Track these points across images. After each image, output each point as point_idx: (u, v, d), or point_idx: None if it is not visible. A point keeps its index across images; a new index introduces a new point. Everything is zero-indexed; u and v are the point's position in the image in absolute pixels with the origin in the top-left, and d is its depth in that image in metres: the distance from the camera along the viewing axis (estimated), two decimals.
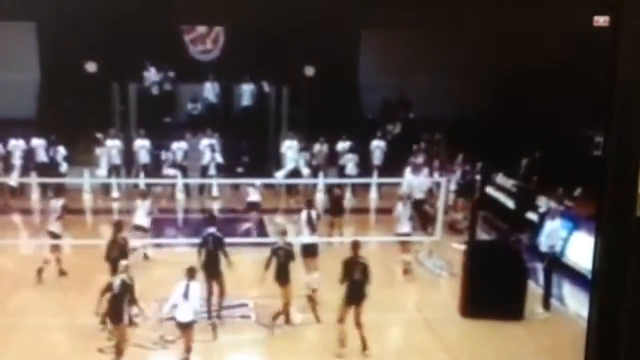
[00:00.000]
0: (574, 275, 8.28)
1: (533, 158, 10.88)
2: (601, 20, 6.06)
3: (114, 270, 7.65)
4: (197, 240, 8.56)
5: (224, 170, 12.65)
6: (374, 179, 11.48)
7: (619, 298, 6.13)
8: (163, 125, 13.27)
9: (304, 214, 9.41)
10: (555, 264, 8.31)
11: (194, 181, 12.49)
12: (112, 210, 11.84)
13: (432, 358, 7.33)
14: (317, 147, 13.00)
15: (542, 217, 9.67)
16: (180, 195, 11.99)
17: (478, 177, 10.55)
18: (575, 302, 8.31)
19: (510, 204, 10.10)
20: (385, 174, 11.98)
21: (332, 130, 12.74)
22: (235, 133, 13.49)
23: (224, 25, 11.59)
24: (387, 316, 7.80)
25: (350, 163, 12.39)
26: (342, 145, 12.77)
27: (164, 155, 12.30)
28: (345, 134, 12.57)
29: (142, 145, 12.64)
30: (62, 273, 8.76)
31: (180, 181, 12.03)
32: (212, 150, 12.58)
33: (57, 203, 9.67)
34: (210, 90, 13.95)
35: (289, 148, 12.63)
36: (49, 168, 12.43)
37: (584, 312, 6.33)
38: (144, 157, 12.47)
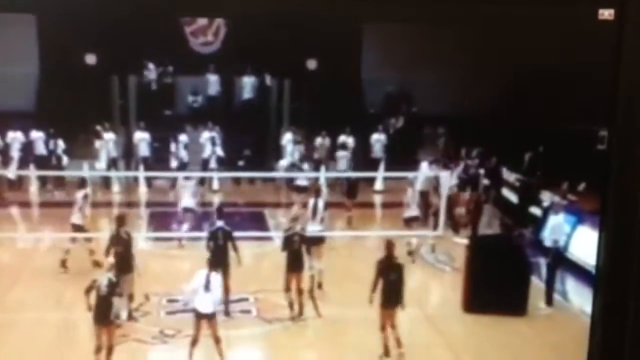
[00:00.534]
0: (577, 271, 8.23)
1: (537, 152, 10.82)
2: (606, 14, 6.00)
3: (120, 269, 7.48)
4: (196, 234, 8.50)
5: (225, 163, 12.60)
6: (380, 173, 11.43)
7: (622, 294, 6.06)
8: (163, 118, 13.23)
9: (311, 202, 9.50)
10: (559, 260, 8.24)
11: (195, 174, 12.44)
12: (112, 203, 11.82)
13: (434, 353, 7.29)
14: (318, 140, 12.96)
15: (546, 211, 9.61)
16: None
17: (481, 171, 10.52)
18: (579, 298, 8.27)
19: (513, 198, 10.06)
20: (388, 168, 11.96)
21: (334, 124, 12.69)
22: (236, 126, 13.44)
23: (225, 17, 11.52)
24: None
25: (342, 160, 12.35)
26: (344, 138, 12.73)
27: (173, 147, 12.27)
28: (346, 128, 12.53)
29: (142, 138, 12.59)
30: (96, 264, 8.66)
31: (181, 174, 11.98)
32: (213, 143, 12.53)
33: (79, 194, 9.56)
34: (211, 83, 13.90)
35: (288, 141, 12.60)
36: (48, 161, 12.40)
37: (587, 308, 6.27)
38: (144, 150, 12.42)
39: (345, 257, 9.51)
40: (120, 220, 8.24)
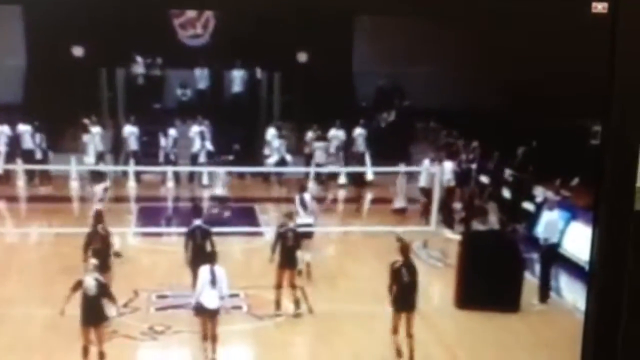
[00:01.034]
0: (571, 267, 8.20)
1: (529, 147, 10.78)
2: (599, 7, 5.95)
3: (97, 267, 7.38)
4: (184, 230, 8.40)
5: (215, 157, 12.52)
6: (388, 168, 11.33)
7: (616, 291, 6.03)
8: (152, 112, 13.12)
9: (297, 197, 9.55)
10: (553, 257, 8.18)
11: (184, 169, 12.36)
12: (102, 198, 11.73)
13: (427, 350, 7.24)
14: (309, 134, 12.88)
15: (539, 207, 9.57)
16: (169, 184, 11.87)
17: (474, 166, 10.47)
18: (572, 294, 8.23)
19: (506, 193, 10.01)
20: (377, 162, 11.90)
21: (326, 118, 12.62)
22: (226, 120, 13.34)
23: (214, 9, 11.39)
24: (380, 307, 7.67)
25: (318, 151, 12.30)
26: (335, 132, 12.67)
27: (163, 141, 12.17)
28: (336, 122, 12.47)
29: (131, 132, 12.49)
30: (117, 255, 8.57)
31: (170, 169, 11.90)
32: (202, 137, 12.44)
33: (99, 187, 9.44)
34: (200, 76, 13.80)
35: (273, 136, 12.53)
36: (34, 155, 12.28)
37: (581, 304, 6.24)
38: (133, 143, 12.32)
39: (337, 252, 9.46)
40: (98, 217, 8.03)
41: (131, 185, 11.72)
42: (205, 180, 12.30)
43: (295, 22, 9.13)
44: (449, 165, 10.38)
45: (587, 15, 5.97)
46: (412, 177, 10.89)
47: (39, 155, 11.75)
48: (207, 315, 7.02)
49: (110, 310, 7.18)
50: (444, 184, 10.35)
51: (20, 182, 11.76)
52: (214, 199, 10.02)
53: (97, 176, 11.92)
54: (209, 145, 12.36)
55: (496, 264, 7.78)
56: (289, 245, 7.94)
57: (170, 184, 11.92)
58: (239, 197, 11.70)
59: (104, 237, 7.86)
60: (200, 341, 6.95)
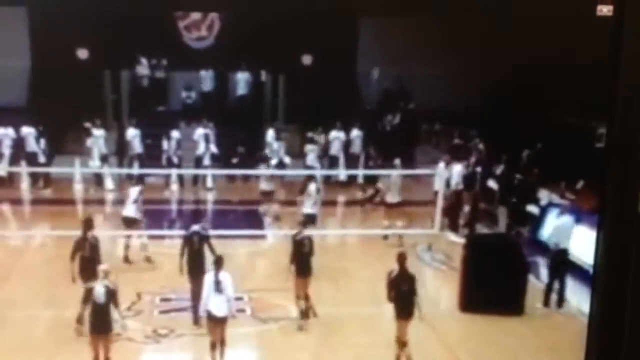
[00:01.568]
0: (575, 270, 8.16)
1: (534, 150, 10.75)
2: (604, 10, 5.93)
3: (84, 275, 7.31)
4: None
5: (219, 160, 12.50)
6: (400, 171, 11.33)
7: (620, 293, 6.00)
8: (156, 114, 13.11)
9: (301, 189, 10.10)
10: (563, 262, 8.09)
11: (189, 172, 12.34)
12: (105, 201, 11.72)
13: (431, 353, 7.21)
14: (316, 137, 12.88)
15: (543, 210, 9.54)
16: (173, 186, 11.86)
17: (479, 169, 10.44)
18: (576, 297, 8.20)
19: (511, 196, 9.98)
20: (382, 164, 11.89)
21: (330, 120, 12.62)
22: (230, 123, 13.34)
23: (219, 12, 11.43)
24: (384, 310, 7.65)
25: (311, 154, 12.31)
26: (336, 134, 12.68)
27: (165, 144, 12.17)
28: (337, 123, 12.47)
29: (134, 135, 12.48)
30: (147, 260, 8.57)
31: (174, 172, 11.89)
32: (207, 140, 12.43)
33: (135, 189, 9.39)
34: (204, 78, 13.79)
35: (272, 138, 12.54)
36: (38, 158, 12.29)
37: (585, 307, 6.20)
38: (137, 146, 12.31)
39: (339, 255, 9.45)
40: (87, 224, 7.83)
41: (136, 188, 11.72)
42: (209, 183, 12.29)
43: (299, 25, 9.13)
44: (457, 169, 10.37)
45: (592, 18, 5.95)
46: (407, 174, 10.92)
47: (42, 158, 11.77)
48: (216, 323, 6.95)
49: (117, 321, 7.07)
50: (451, 187, 10.34)
51: (25, 185, 11.78)
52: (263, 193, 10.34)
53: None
54: (213, 148, 12.36)
55: (500, 267, 7.75)
56: (306, 252, 7.89)
57: (175, 186, 11.92)
58: (243, 199, 11.71)
59: (93, 245, 7.62)
60: (209, 350, 6.88)
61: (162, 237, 8.83)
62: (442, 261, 9.40)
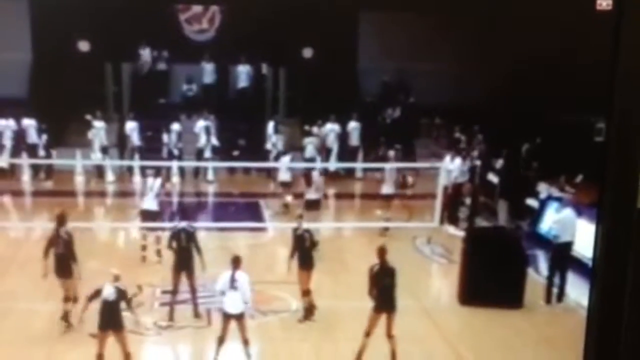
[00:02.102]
0: (574, 263, 8.16)
1: (534, 144, 10.74)
2: (604, 4, 5.92)
3: (59, 272, 7.22)
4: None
5: (220, 153, 12.51)
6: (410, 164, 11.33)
7: (620, 287, 6.01)
8: (157, 107, 13.11)
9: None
10: (565, 256, 8.07)
11: (190, 164, 12.35)
12: (106, 193, 11.74)
13: (430, 346, 7.22)
14: (315, 129, 12.88)
15: (543, 203, 9.55)
16: (174, 179, 11.86)
17: (478, 162, 10.45)
18: (575, 291, 8.21)
19: (510, 189, 9.98)
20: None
21: (330, 113, 12.62)
22: (231, 115, 13.34)
23: (220, 5, 11.42)
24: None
25: (309, 146, 12.32)
26: (331, 127, 12.68)
27: (165, 137, 12.17)
28: (331, 116, 12.48)
29: (133, 128, 12.47)
30: (158, 254, 8.53)
31: (175, 164, 11.89)
32: (208, 132, 12.44)
33: (156, 181, 9.33)
34: (206, 71, 13.78)
35: (272, 131, 12.55)
36: (38, 150, 12.29)
37: (584, 301, 6.21)
38: (136, 139, 12.31)
39: (338, 248, 9.46)
40: (61, 219, 7.61)
41: (136, 180, 11.72)
42: (210, 176, 12.30)
43: (301, 17, 9.12)
44: (457, 162, 10.37)
45: (592, 12, 5.94)
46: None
47: (42, 152, 11.76)
48: (230, 319, 6.92)
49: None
50: (451, 181, 10.34)
51: (26, 177, 11.79)
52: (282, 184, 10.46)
53: (100, 171, 11.94)
54: (214, 141, 12.37)
55: (500, 260, 7.75)
56: (307, 246, 7.88)
57: (175, 179, 11.92)
58: (244, 192, 11.72)
59: (67, 241, 7.43)
60: (215, 345, 6.86)
61: (162, 229, 8.80)
62: (442, 254, 9.41)
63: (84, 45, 11.92)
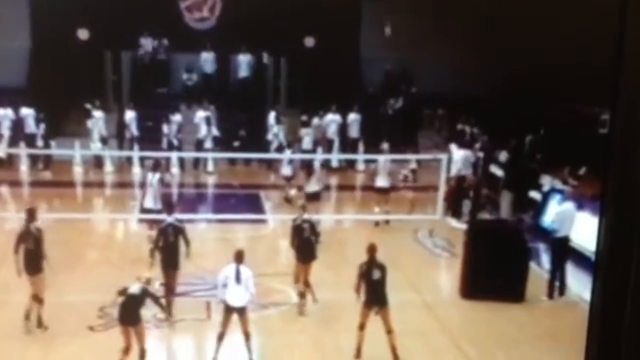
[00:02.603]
0: (576, 257, 8.10)
1: (538, 136, 10.67)
2: None
3: (29, 269, 7.03)
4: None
5: (220, 144, 12.43)
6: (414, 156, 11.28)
7: (623, 281, 5.92)
8: (157, 96, 13.03)
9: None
10: (565, 250, 7.98)
11: (189, 155, 12.28)
12: (105, 183, 11.68)
13: (431, 339, 7.15)
14: (316, 120, 12.81)
15: (545, 196, 9.47)
16: (174, 170, 11.80)
17: (481, 154, 10.38)
18: (577, 284, 8.15)
19: (512, 181, 9.92)
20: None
21: (332, 104, 12.56)
22: (232, 105, 13.26)
23: None
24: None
25: (307, 137, 12.25)
26: (332, 117, 12.62)
27: (165, 128, 12.10)
28: (332, 106, 12.42)
29: (132, 118, 12.39)
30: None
31: (174, 154, 11.83)
32: (208, 123, 12.36)
33: (154, 177, 9.17)
34: (206, 60, 13.71)
35: (273, 121, 12.49)
36: (36, 140, 12.23)
37: (587, 294, 6.13)
38: (135, 129, 12.23)
39: (339, 241, 9.40)
40: (31, 214, 7.27)
41: (135, 171, 11.66)
42: (210, 167, 12.23)
43: (303, 6, 9.05)
44: (460, 154, 10.27)
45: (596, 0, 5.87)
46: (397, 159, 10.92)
47: (40, 142, 11.68)
48: (232, 312, 6.81)
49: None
50: (454, 173, 10.27)
51: (24, 167, 11.72)
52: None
53: (99, 161, 11.87)
54: (215, 131, 12.28)
55: (502, 253, 7.66)
56: (306, 237, 7.77)
57: (175, 170, 11.86)
58: (244, 184, 11.65)
59: (37, 237, 7.10)
60: (216, 341, 6.76)
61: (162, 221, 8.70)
62: (444, 247, 9.35)
63: (83, 34, 11.85)
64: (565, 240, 7.90)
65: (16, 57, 11.53)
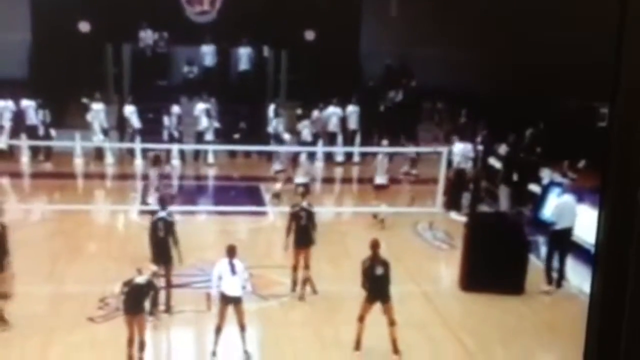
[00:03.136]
0: (576, 249, 8.11)
1: (537, 129, 10.67)
2: None
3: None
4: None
5: (221, 136, 12.43)
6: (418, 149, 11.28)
7: (622, 273, 5.94)
8: (158, 89, 13.01)
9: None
10: (564, 242, 7.98)
11: (190, 147, 12.28)
12: (105, 175, 11.68)
13: (431, 332, 7.16)
14: (315, 113, 12.81)
15: (545, 189, 9.48)
16: (174, 162, 11.80)
17: (480, 147, 10.38)
18: (577, 277, 8.16)
19: (512, 175, 9.92)
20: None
21: (333, 96, 12.55)
22: (232, 98, 13.26)
23: None
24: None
25: (305, 130, 12.25)
26: (333, 110, 12.62)
27: (166, 120, 12.09)
28: (333, 99, 12.42)
29: (132, 111, 12.37)
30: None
31: (175, 147, 11.83)
32: (208, 115, 12.36)
33: (154, 172, 9.09)
34: (206, 53, 13.70)
35: (272, 113, 12.49)
36: (38, 131, 12.21)
37: (586, 287, 6.15)
38: (135, 122, 12.22)
39: (339, 234, 9.41)
40: None
41: (137, 163, 11.66)
42: (210, 159, 12.23)
43: (303, 0, 9.02)
44: (460, 147, 10.28)
45: None
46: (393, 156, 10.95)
47: (42, 131, 11.68)
48: (229, 302, 6.81)
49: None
50: (454, 166, 10.28)
51: (25, 158, 11.73)
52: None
53: (100, 153, 11.86)
54: (216, 123, 12.29)
55: (501, 246, 7.67)
56: (303, 224, 7.77)
57: (176, 162, 11.85)
58: (244, 176, 11.66)
59: (1, 234, 6.94)
60: (214, 334, 6.75)
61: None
62: (443, 239, 9.35)
63: (84, 26, 11.86)
64: (563, 232, 7.91)
65: (17, 50, 11.53)
